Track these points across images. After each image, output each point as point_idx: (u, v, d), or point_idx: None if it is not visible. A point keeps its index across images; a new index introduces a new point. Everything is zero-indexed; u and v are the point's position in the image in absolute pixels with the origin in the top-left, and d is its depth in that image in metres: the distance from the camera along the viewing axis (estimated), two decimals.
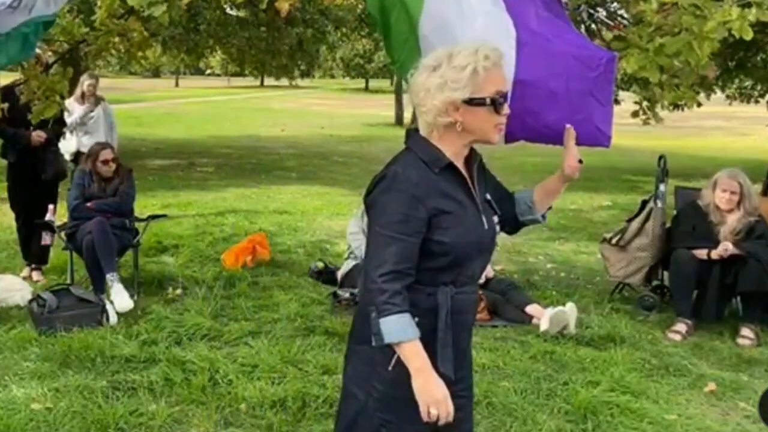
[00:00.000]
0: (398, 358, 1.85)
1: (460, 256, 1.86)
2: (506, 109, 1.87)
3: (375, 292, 1.78)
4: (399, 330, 1.77)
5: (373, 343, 1.81)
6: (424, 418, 1.80)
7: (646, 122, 4.76)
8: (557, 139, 3.17)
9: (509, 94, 3.08)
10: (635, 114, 4.84)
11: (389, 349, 1.84)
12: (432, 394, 1.79)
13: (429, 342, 1.83)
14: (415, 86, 1.88)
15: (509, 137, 3.24)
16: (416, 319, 1.82)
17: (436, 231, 1.82)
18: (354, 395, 1.96)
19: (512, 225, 2.15)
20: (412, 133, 1.94)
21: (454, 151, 1.89)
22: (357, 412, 1.95)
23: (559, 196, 2.11)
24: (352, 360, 1.98)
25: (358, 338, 1.96)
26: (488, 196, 1.99)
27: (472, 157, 1.97)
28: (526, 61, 3.06)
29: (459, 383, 1.98)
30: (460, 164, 1.91)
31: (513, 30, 3.09)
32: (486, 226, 1.92)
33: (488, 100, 1.83)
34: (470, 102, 1.82)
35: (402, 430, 1.91)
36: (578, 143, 3.00)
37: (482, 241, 1.92)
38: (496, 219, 1.98)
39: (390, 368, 1.87)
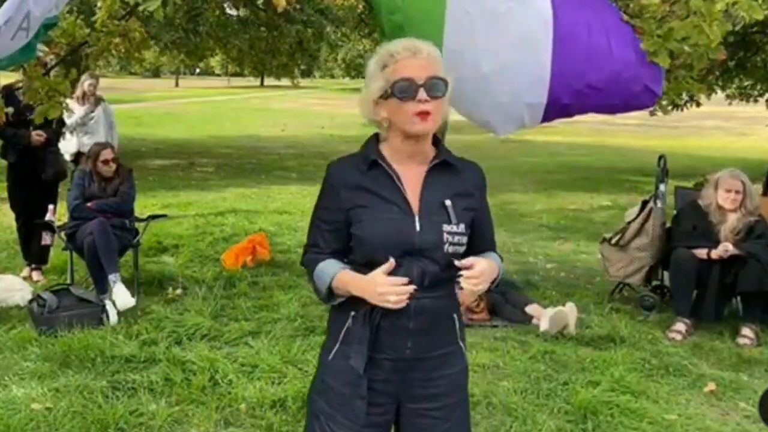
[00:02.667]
0: (338, 350, 1.93)
1: (376, 253, 1.83)
2: (420, 95, 1.81)
3: (304, 264, 1.98)
4: (325, 272, 1.89)
5: (330, 303, 1.93)
6: (393, 304, 1.77)
7: (652, 113, 4.73)
8: (601, 99, 3.07)
9: (550, 56, 2.97)
10: None
11: (332, 339, 1.96)
12: (373, 292, 1.79)
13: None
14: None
15: (552, 102, 3.04)
16: (352, 312, 1.89)
17: (354, 224, 1.88)
18: (314, 380, 2.06)
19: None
20: (373, 135, 1.99)
21: (395, 148, 1.90)
22: (311, 394, 2.04)
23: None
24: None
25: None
26: (448, 202, 1.87)
27: (435, 157, 1.92)
28: (565, 17, 2.97)
29: (426, 401, 1.94)
30: (405, 162, 1.90)
31: None
32: (419, 229, 1.84)
33: (389, 90, 1.83)
34: (382, 96, 1.86)
35: (333, 421, 1.93)
36: (626, 104, 2.93)
37: (410, 242, 1.83)
38: (449, 227, 1.86)
39: (330, 358, 1.95)
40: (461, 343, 2.00)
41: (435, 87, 1.82)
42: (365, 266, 1.85)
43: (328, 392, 1.95)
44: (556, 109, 3.10)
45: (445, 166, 1.92)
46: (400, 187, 1.87)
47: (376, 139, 1.95)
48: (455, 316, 1.98)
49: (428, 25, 3.10)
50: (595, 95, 3.02)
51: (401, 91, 1.82)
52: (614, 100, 3.09)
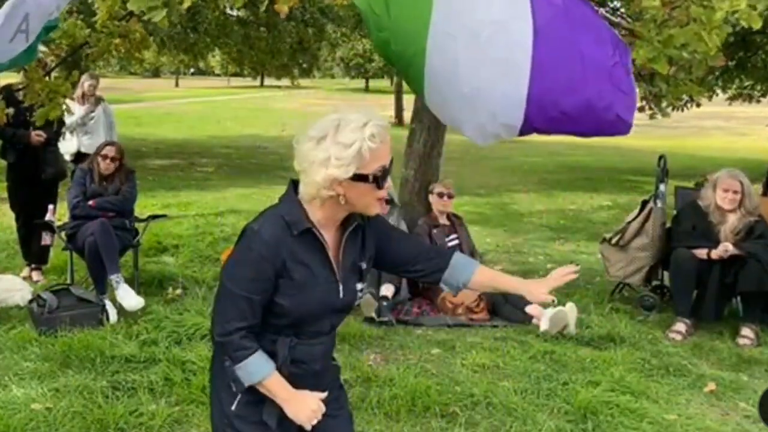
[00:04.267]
0: (240, 398, 1.91)
1: (299, 319, 1.88)
2: (388, 183, 1.88)
3: (226, 345, 1.87)
4: (256, 371, 1.85)
5: (234, 389, 1.89)
6: (308, 428, 1.90)
7: (652, 116, 4.74)
8: (574, 127, 3.13)
9: (527, 82, 3.02)
10: (641, 109, 4.82)
11: (233, 390, 1.90)
12: (306, 414, 1.88)
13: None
14: (299, 155, 1.85)
15: (526, 126, 3.13)
16: None
17: (279, 294, 1.83)
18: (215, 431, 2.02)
19: (430, 280, 2.10)
20: (291, 186, 1.92)
21: (329, 216, 1.87)
22: None
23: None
24: (211, 399, 2.06)
25: (211, 378, 2.06)
26: (363, 265, 1.96)
27: (348, 221, 1.91)
28: (544, 44, 3.01)
29: (329, 404, 1.98)
30: (329, 228, 1.88)
31: (530, 14, 3.04)
32: (342, 294, 1.91)
33: (371, 178, 1.79)
34: (354, 179, 1.78)
35: None
36: (599, 132, 2.98)
37: (333, 306, 1.91)
38: (360, 285, 1.97)
39: (233, 408, 1.92)
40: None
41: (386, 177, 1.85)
42: (286, 326, 1.89)
43: None
44: (531, 129, 3.18)
45: (356, 228, 1.94)
46: (329, 255, 1.88)
47: (296, 195, 1.88)
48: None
49: (412, 45, 3.15)
50: (567, 122, 3.06)
51: (382, 179, 1.81)
52: (587, 127, 3.14)
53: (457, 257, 2.06)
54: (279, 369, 1.87)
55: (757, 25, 3.42)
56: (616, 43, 3.11)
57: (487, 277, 2.08)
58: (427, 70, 3.11)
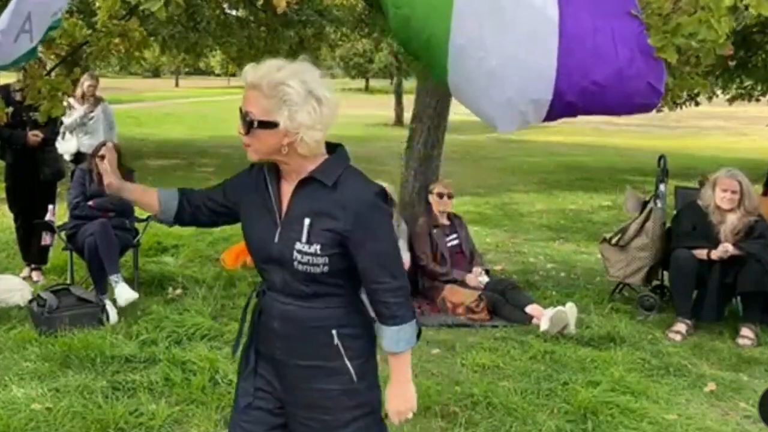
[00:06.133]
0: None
1: (253, 253, 2.00)
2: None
3: None
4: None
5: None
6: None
7: (659, 110, 4.70)
8: (606, 99, 3.11)
9: (556, 53, 2.99)
10: None
11: None
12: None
13: None
14: None
15: (557, 100, 3.03)
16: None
17: (241, 220, 2.02)
18: None
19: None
20: None
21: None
22: None
23: None
24: None
25: None
26: (306, 220, 1.83)
27: (309, 173, 1.87)
28: (571, 14, 2.98)
29: (301, 408, 1.94)
30: (285, 177, 1.93)
31: None
32: (276, 240, 1.87)
33: None
34: None
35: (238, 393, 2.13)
36: (630, 103, 2.98)
37: (268, 252, 1.90)
38: (300, 246, 1.83)
39: None
40: (348, 363, 1.90)
41: (242, 121, 1.85)
42: (258, 269, 2.00)
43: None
44: (561, 106, 3.10)
45: (317, 183, 1.85)
46: (273, 199, 1.92)
47: None
48: (335, 332, 1.89)
49: (435, 20, 3.08)
50: (600, 93, 3.02)
51: (241, 121, 1.88)
52: (618, 98, 3.10)
53: (386, 331, 1.88)
54: (254, 311, 2.02)
55: (767, 12, 3.38)
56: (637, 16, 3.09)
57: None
58: (452, 47, 3.04)
